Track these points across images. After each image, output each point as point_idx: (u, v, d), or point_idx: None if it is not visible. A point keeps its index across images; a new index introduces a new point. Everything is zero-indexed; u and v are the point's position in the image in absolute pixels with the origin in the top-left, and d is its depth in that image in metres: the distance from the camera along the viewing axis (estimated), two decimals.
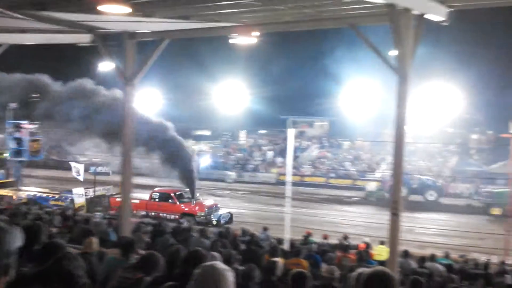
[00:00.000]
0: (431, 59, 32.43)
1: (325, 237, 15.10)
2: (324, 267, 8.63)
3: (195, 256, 4.02)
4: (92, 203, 23.12)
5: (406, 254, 11.83)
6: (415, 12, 7.51)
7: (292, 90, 46.15)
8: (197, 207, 22.46)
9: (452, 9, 7.96)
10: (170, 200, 22.61)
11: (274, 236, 14.47)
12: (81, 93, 24.10)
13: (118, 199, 22.68)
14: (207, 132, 51.08)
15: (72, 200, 22.92)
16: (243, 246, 10.72)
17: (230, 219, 22.43)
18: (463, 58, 38.22)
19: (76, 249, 6.24)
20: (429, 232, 22.34)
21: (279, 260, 7.14)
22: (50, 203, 22.89)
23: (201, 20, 9.91)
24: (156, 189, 23.79)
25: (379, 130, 40.49)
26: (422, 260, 11.14)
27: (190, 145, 29.36)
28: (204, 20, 9.91)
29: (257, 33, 10.72)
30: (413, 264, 11.13)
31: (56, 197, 24.14)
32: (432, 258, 11.74)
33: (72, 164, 24.96)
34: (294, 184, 19.09)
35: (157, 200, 22.84)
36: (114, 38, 11.44)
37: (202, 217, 21.79)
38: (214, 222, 21.81)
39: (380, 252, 13.21)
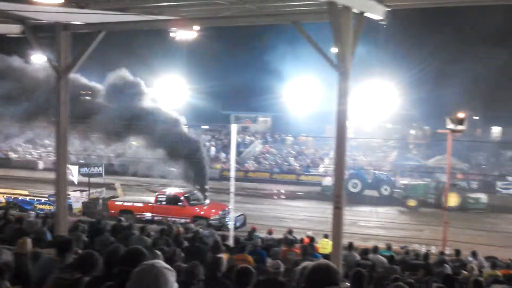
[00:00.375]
0: (371, 57, 33.72)
1: (270, 232, 15.27)
2: (269, 262, 8.76)
3: (134, 255, 3.91)
4: (88, 207, 21.61)
5: (350, 246, 12.21)
6: (355, 10, 7.73)
7: (235, 85, 46.09)
8: (213, 209, 21.20)
9: (390, 9, 8.27)
10: (179, 203, 21.12)
11: (219, 232, 14.55)
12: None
13: (118, 203, 22.03)
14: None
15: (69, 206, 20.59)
16: (186, 243, 10.66)
17: (244, 222, 20.67)
18: (401, 56, 39.99)
19: (9, 250, 6.01)
20: (370, 225, 23.17)
21: (224, 256, 7.19)
22: (36, 206, 21.22)
23: (139, 12, 9.68)
24: (161, 190, 22.52)
25: (321, 125, 41.47)
26: (365, 252, 11.52)
27: (132, 142, 28.73)
28: (142, 12, 9.68)
29: (197, 27, 10.66)
30: (357, 257, 11.51)
31: (43, 200, 22.30)
32: (375, 250, 12.12)
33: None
34: (238, 179, 19.12)
35: (164, 203, 21.30)
36: (47, 29, 10.97)
37: (216, 220, 20.38)
38: (231, 226, 18.54)
39: (325, 246, 13.55)
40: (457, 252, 13.58)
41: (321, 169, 37.62)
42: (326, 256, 10.11)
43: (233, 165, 16.01)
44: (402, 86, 37.48)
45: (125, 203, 21.83)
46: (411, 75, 39.20)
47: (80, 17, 10.06)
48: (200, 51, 37.82)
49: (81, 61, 10.89)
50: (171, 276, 2.67)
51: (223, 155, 39.01)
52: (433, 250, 17.35)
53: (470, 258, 13.29)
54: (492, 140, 49.27)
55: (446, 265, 11.42)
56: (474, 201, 27.01)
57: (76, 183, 22.29)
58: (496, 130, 51.00)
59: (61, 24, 10.49)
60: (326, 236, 14.55)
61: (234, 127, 16.00)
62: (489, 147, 46.43)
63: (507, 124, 48.48)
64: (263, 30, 36.95)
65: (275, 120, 48.61)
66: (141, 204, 21.48)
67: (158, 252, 5.87)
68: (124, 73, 22.62)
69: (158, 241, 9.51)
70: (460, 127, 17.02)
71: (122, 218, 17.04)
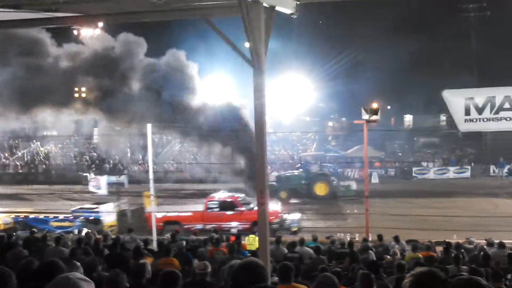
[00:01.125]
0: (287, 51, 34.54)
1: (195, 233, 15.25)
2: (196, 263, 8.78)
3: (48, 268, 3.72)
4: (121, 221, 20.28)
5: (278, 241, 12.53)
6: (265, 4, 7.89)
7: None
8: (273, 212, 20.25)
9: (299, 2, 8.53)
10: (235, 208, 20.36)
11: (139, 237, 14.26)
12: None
13: (159, 215, 19.56)
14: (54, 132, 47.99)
15: (97, 220, 19.60)
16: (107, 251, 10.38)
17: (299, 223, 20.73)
18: (315, 50, 41.33)
19: None
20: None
21: (148, 261, 7.11)
22: (52, 225, 19.81)
23: (35, 9, 9.12)
24: (210, 197, 21.55)
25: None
26: (292, 245, 11.84)
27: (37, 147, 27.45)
28: (40, 9, 9.15)
29: (101, 24, 10.26)
30: (285, 250, 11.81)
31: (60, 217, 20.54)
32: (302, 242, 12.49)
33: (90, 176, 21.61)
34: (158, 181, 18.77)
35: (216, 209, 20.40)
36: None
37: (276, 224, 19.75)
38: (295, 229, 19.87)
39: (252, 242, 13.77)
40: (380, 238, 14.34)
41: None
42: (254, 253, 10.27)
43: (151, 166, 15.78)
44: (318, 80, 38.79)
45: (169, 214, 20.50)
46: (326, 69, 40.73)
47: None
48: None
49: None
50: (88, 287, 2.64)
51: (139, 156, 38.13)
52: (357, 237, 18.26)
53: (393, 243, 14.12)
54: (405, 128, 52.41)
55: (370, 251, 12.05)
56: (345, 189, 28.43)
57: (105, 194, 21.62)
58: (408, 119, 54.27)
59: None
60: (253, 232, 14.76)
61: (149, 127, 15.75)
62: (403, 135, 49.39)
63: (418, 112, 51.80)
64: (175, 24, 36.45)
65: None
66: (189, 213, 20.36)
67: (77, 263, 5.69)
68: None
69: (76, 251, 9.17)
70: (374, 117, 17.88)
71: (35, 230, 15.98)
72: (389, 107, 52.39)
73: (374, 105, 18.63)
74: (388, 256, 11.95)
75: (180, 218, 20.23)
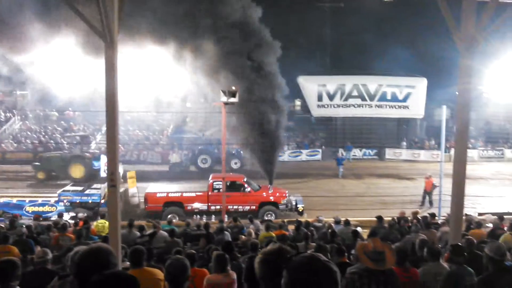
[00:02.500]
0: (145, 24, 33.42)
1: (37, 218, 14.47)
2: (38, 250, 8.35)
3: None
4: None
5: (130, 225, 12.38)
6: None
7: None
8: (277, 193, 20.58)
9: None
10: (241, 189, 20.06)
11: None
12: None
13: (161, 194, 19.73)
14: None
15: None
16: None
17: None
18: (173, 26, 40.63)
19: None
20: None
21: None
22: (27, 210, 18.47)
23: None
24: (214, 176, 20.81)
25: (91, 99, 39.85)
26: (142, 228, 11.82)
27: None
28: None
29: None
30: (137, 234, 11.72)
31: (39, 201, 19.26)
32: (156, 226, 12.53)
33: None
34: None
35: (222, 190, 19.52)
36: None
37: (284, 205, 20.09)
38: (301, 209, 19.90)
39: (102, 227, 13.40)
40: (235, 219, 14.89)
41: (93, 146, 36.56)
42: (105, 238, 10.05)
43: None
44: (179, 58, 38.26)
45: (171, 194, 19.92)
46: (188, 47, 40.35)
47: None
48: None
49: None
50: None
51: None
52: (213, 219, 18.75)
53: (248, 223, 14.77)
54: None
55: (226, 232, 12.48)
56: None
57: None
58: None
59: None
60: (103, 217, 14.39)
61: None
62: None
63: None
64: None
65: (36, 94, 44.82)
66: (192, 194, 19.58)
67: None
68: None
69: None
70: (233, 100, 18.35)
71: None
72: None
73: (233, 88, 19.11)
74: (243, 236, 12.48)
75: (183, 198, 19.80)
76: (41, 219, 15.37)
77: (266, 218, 18.10)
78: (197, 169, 31.70)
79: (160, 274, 5.78)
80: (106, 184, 19.61)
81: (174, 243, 10.65)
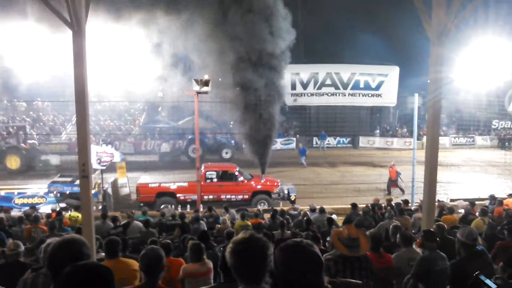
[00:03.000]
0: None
1: (7, 210, 14.27)
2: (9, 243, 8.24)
3: None
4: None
5: (104, 216, 12.31)
6: None
7: None
8: (270, 183, 20.65)
9: None
10: (234, 178, 20.06)
11: None
12: None
13: (153, 185, 19.63)
14: None
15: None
16: None
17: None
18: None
19: None
20: None
21: None
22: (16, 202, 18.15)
23: None
24: (206, 166, 20.66)
25: (61, 89, 39.20)
26: (117, 219, 11.75)
27: None
28: None
29: None
30: (111, 225, 11.64)
31: (28, 193, 19.01)
32: (130, 216, 12.46)
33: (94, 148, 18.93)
34: None
35: (215, 180, 19.84)
36: None
37: (276, 194, 20.20)
38: (293, 197, 20.01)
39: (74, 220, 13.27)
40: (210, 209, 14.91)
41: (64, 137, 36.06)
42: (78, 229, 9.97)
43: None
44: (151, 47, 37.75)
45: (164, 184, 19.83)
46: (157, 34, 39.83)
47: None
48: None
49: None
50: None
51: None
52: (188, 209, 18.72)
53: (224, 212, 14.81)
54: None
55: (201, 221, 12.51)
56: (43, 164, 28.91)
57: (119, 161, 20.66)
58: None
59: None
60: (77, 208, 14.29)
61: None
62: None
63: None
64: None
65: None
66: (185, 184, 19.36)
67: None
68: None
69: None
70: (205, 89, 18.28)
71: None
72: (220, 79, 53.65)
73: (205, 77, 19.05)
74: (219, 225, 12.51)
75: (175, 189, 19.66)
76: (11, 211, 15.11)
77: (241, 207, 18.12)
78: (188, 159, 31.55)
79: (135, 264, 5.75)
80: (95, 174, 19.81)
81: (149, 233, 10.63)
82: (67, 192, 19.08)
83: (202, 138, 33.54)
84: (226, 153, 33.28)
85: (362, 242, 4.77)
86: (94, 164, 20.12)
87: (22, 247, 6.32)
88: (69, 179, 19.92)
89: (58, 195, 19.01)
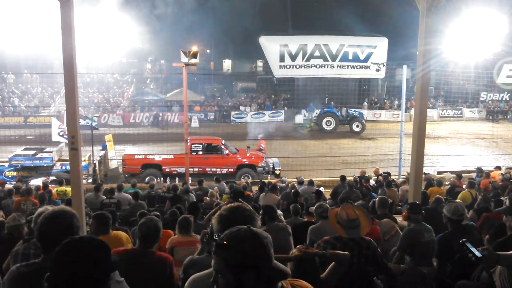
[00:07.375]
0: None
1: (1, 184, 14.24)
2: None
3: None
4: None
5: (97, 188, 12.32)
6: None
7: None
8: (254, 156, 20.68)
9: None
10: (220, 151, 20.04)
11: None
12: None
13: (139, 156, 19.81)
14: None
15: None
16: None
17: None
18: None
19: None
20: None
21: None
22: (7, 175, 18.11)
23: None
24: (191, 138, 19.83)
25: (48, 61, 38.72)
26: (110, 192, 11.77)
27: None
28: None
29: None
30: (103, 198, 11.67)
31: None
32: (120, 188, 12.47)
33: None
34: None
35: (200, 152, 19.81)
36: None
37: (261, 168, 20.24)
38: (278, 171, 20.09)
39: (62, 195, 13.29)
40: (200, 182, 14.94)
41: (52, 109, 35.74)
42: (68, 201, 9.98)
43: None
44: (138, 20, 37.29)
45: (149, 156, 19.94)
46: (148, 9, 39.34)
47: None
48: None
49: None
50: None
51: None
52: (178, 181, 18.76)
53: (214, 184, 14.87)
54: (224, 72, 54.04)
55: (191, 194, 12.56)
56: None
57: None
58: (227, 63, 55.99)
59: None
60: (61, 183, 14.34)
61: None
62: (222, 80, 50.90)
63: (236, 57, 53.72)
64: None
65: None
66: (170, 156, 19.44)
67: None
68: None
69: None
70: (193, 61, 18.07)
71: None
72: (208, 51, 53.28)
73: (194, 48, 18.83)
74: (207, 198, 12.58)
75: (161, 161, 19.65)
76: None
77: (230, 180, 18.19)
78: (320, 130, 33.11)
79: (125, 236, 5.81)
80: (58, 148, 19.63)
81: (138, 206, 10.67)
82: (31, 166, 18.81)
83: (334, 111, 33.86)
84: (357, 126, 34.22)
85: (362, 221, 4.46)
86: (56, 136, 20.10)
87: (24, 220, 6.33)
88: (32, 152, 19.60)
89: (20, 168, 18.79)
